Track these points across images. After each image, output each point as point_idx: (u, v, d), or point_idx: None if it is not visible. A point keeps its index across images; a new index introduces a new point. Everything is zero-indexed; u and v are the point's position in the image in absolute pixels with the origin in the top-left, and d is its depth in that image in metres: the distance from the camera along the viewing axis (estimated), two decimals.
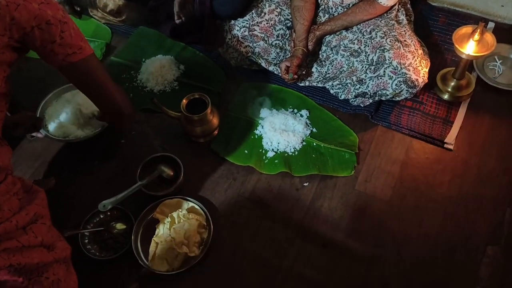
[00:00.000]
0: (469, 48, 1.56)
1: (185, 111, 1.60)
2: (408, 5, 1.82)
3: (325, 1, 1.77)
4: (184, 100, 1.62)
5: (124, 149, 1.71)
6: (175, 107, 1.67)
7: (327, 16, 1.80)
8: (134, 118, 1.69)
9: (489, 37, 1.57)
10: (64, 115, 1.67)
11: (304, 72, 1.78)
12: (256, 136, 1.69)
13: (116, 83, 1.37)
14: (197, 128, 1.65)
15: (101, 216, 1.52)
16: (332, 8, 1.77)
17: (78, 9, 2.05)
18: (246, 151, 1.66)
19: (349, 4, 1.71)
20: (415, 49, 1.60)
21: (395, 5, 1.70)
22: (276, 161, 1.63)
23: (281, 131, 1.65)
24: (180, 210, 1.49)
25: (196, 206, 1.52)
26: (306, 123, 1.70)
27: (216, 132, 1.71)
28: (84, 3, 2.04)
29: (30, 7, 1.07)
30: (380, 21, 1.68)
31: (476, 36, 1.54)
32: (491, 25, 1.92)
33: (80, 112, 1.68)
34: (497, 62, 1.81)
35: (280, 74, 1.75)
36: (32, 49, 1.16)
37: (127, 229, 1.51)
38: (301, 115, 1.72)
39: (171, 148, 1.68)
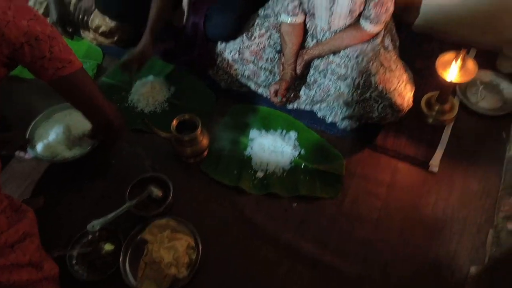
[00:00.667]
0: (452, 74, 1.62)
1: (175, 132, 1.63)
2: (394, 31, 1.87)
3: (313, 26, 1.83)
4: (174, 121, 1.64)
5: (114, 169, 1.72)
6: (165, 127, 1.69)
7: (315, 41, 1.85)
8: (125, 132, 1.68)
9: (471, 64, 1.63)
10: (53, 135, 1.68)
11: (292, 95, 1.82)
12: (246, 157, 1.72)
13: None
14: (187, 149, 1.66)
15: (90, 237, 1.52)
16: (320, 33, 1.82)
17: (70, 30, 2.07)
18: (235, 172, 1.68)
19: (336, 30, 1.77)
20: (400, 74, 1.66)
21: (380, 31, 1.76)
22: (265, 181, 1.65)
23: (270, 152, 1.68)
24: (169, 230, 1.50)
25: (185, 227, 1.52)
26: (295, 145, 1.73)
27: (206, 153, 1.73)
28: (77, 24, 2.07)
29: (19, 23, 1.10)
30: (367, 46, 1.73)
31: (458, 63, 1.60)
32: (473, 51, 2.00)
33: (69, 132, 1.69)
34: (479, 87, 1.88)
35: (269, 97, 1.79)
36: (22, 65, 1.19)
37: (115, 250, 1.50)
38: (290, 137, 1.75)
39: (161, 169, 1.69)
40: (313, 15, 1.75)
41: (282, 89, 1.72)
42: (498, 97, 1.85)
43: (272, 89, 1.73)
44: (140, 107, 1.87)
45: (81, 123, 1.68)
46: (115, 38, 2.06)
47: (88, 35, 2.09)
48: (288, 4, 1.73)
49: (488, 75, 1.90)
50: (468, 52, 1.95)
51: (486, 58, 1.95)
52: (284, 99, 1.74)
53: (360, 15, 1.68)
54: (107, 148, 1.72)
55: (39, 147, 1.66)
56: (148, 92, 1.88)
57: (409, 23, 2.10)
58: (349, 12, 1.65)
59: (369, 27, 1.69)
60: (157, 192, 1.58)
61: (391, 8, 1.64)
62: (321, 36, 1.82)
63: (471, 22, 1.95)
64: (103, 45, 2.10)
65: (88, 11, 2.01)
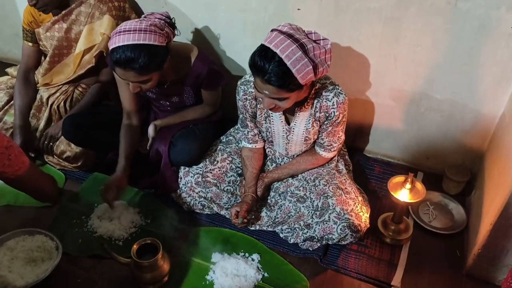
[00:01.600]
0: (403, 195, 1.72)
1: (135, 257, 1.59)
2: (346, 156, 2.02)
3: (272, 152, 1.95)
4: (135, 245, 1.61)
5: None
6: (124, 253, 1.66)
7: (274, 165, 1.96)
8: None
9: (419, 186, 1.75)
10: (4, 263, 1.60)
11: (253, 217, 1.86)
12: (208, 282, 1.67)
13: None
14: (147, 275, 1.61)
15: None
16: (278, 158, 1.94)
17: (33, 155, 2.10)
18: None
19: (293, 155, 1.89)
20: (355, 196, 1.75)
21: (334, 156, 1.89)
22: None
23: (233, 276, 1.65)
24: None
25: None
26: (258, 267, 1.71)
27: (166, 278, 1.67)
28: (41, 149, 2.11)
29: None
30: (323, 170, 1.84)
31: (408, 185, 1.71)
32: (420, 174, 2.15)
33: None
34: (429, 207, 1.99)
35: (231, 218, 1.82)
36: None
37: None
38: (253, 259, 1.74)
39: None
40: (271, 142, 1.88)
41: (243, 210, 1.75)
42: (449, 217, 1.96)
43: (233, 211, 1.77)
44: (100, 232, 1.83)
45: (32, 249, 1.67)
46: (79, 163, 2.09)
47: (52, 160, 2.12)
48: (248, 133, 1.86)
49: (436, 196, 2.03)
50: (416, 175, 2.10)
51: (433, 181, 2.11)
52: (245, 221, 1.76)
53: (314, 142, 1.83)
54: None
55: None
56: (109, 216, 1.86)
57: (361, 149, 2.27)
58: (304, 140, 1.79)
59: (323, 154, 1.82)
60: None
61: (342, 137, 1.80)
62: (280, 161, 1.93)
63: (416, 148, 2.14)
64: (65, 170, 2.12)
65: (54, 138, 2.07)
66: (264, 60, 1.43)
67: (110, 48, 1.64)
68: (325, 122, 1.72)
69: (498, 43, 1.71)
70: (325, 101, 1.66)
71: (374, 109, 2.11)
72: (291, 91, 1.49)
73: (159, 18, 1.72)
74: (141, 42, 1.61)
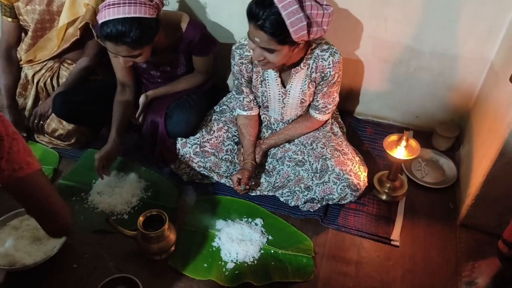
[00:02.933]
0: (399, 153, 1.77)
1: (142, 229, 1.60)
2: (339, 119, 2.06)
3: (267, 118, 1.96)
4: (141, 218, 1.63)
5: (77, 273, 1.62)
6: (129, 226, 1.68)
7: (270, 131, 1.98)
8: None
9: (414, 143, 1.80)
10: (10, 242, 1.60)
11: (253, 183, 1.89)
12: (214, 249, 1.70)
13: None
14: (154, 246, 1.63)
15: None
16: (273, 124, 1.95)
17: (24, 135, 2.06)
18: (205, 265, 1.65)
19: (288, 120, 1.91)
20: (352, 156, 1.80)
21: (328, 119, 1.92)
22: (236, 272, 1.63)
23: (238, 241, 1.69)
24: None
25: None
26: (262, 231, 1.75)
27: (173, 248, 1.70)
28: (31, 129, 2.07)
29: None
30: (319, 134, 1.87)
31: (403, 143, 1.77)
32: (410, 132, 2.21)
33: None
34: (421, 164, 2.05)
35: (232, 186, 1.84)
36: None
37: None
38: (256, 224, 1.78)
39: (127, 268, 1.63)
40: (267, 107, 1.89)
41: (245, 178, 1.78)
42: (440, 172, 2.03)
43: (235, 178, 1.79)
44: (101, 207, 1.83)
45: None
46: (72, 141, 2.06)
47: (43, 139, 2.08)
48: (243, 99, 1.86)
49: (427, 153, 2.10)
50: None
51: (423, 138, 2.16)
52: (247, 187, 1.79)
53: (309, 106, 1.85)
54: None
55: None
56: (109, 191, 1.86)
57: (352, 111, 2.31)
58: (300, 103, 1.81)
59: (318, 116, 1.85)
60: None
61: (336, 98, 1.82)
62: (275, 127, 1.95)
63: (406, 107, 2.19)
64: (58, 148, 2.09)
65: (44, 116, 2.02)
66: (260, 7, 1.44)
67: (99, 22, 1.60)
68: (321, 83, 1.74)
69: (484, 0, 1.75)
70: (321, 61, 1.68)
71: (364, 71, 2.14)
72: (282, 44, 1.50)
73: None
74: (132, 15, 1.57)
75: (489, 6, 1.75)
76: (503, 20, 1.76)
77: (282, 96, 1.81)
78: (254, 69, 1.78)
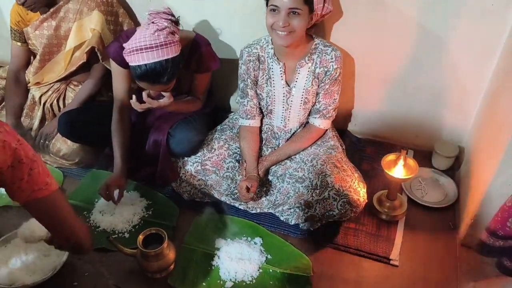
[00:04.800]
0: (397, 172, 1.78)
1: (142, 247, 1.62)
2: (338, 137, 2.08)
3: (270, 128, 2.01)
4: (140, 236, 1.65)
5: None
6: (129, 244, 1.71)
7: (270, 149, 2.02)
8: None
9: (412, 162, 1.81)
10: (13, 261, 1.63)
11: (255, 196, 1.90)
12: (213, 267, 1.71)
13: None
14: (154, 264, 1.64)
15: None
16: (277, 133, 2.00)
17: None
18: (204, 283, 1.66)
19: (291, 129, 1.96)
20: (351, 173, 1.82)
21: (328, 127, 1.95)
22: None
23: (237, 260, 1.70)
24: None
25: None
26: (261, 250, 1.76)
27: (172, 266, 1.71)
28: (37, 148, 2.12)
29: (9, 147, 1.13)
30: (319, 150, 1.91)
31: (401, 162, 1.78)
32: (410, 152, 2.22)
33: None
34: (421, 183, 2.06)
35: (232, 203, 1.89)
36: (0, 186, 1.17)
37: None
38: (255, 243, 1.79)
39: (126, 287, 1.65)
40: (270, 112, 1.93)
41: (254, 186, 1.81)
42: (440, 191, 2.03)
43: (244, 185, 1.81)
44: (103, 226, 1.86)
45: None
46: (77, 160, 2.11)
47: (49, 159, 2.13)
48: (247, 103, 1.92)
49: (427, 172, 2.10)
50: (407, 153, 2.17)
51: (423, 157, 2.18)
52: (254, 195, 1.82)
53: (309, 114, 1.90)
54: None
55: None
56: (111, 210, 1.89)
57: (351, 131, 2.33)
58: (303, 104, 1.85)
59: (318, 122, 1.89)
60: None
61: (337, 100, 1.87)
62: (278, 136, 2.00)
63: (405, 127, 2.21)
64: (63, 167, 2.13)
65: (50, 136, 2.07)
66: None
67: (132, 65, 1.66)
68: (324, 79, 1.82)
69: (479, 21, 1.78)
70: (324, 55, 1.79)
71: (363, 92, 2.17)
72: (306, 3, 1.62)
73: (165, 19, 1.68)
74: (165, 57, 1.65)
75: (484, 27, 1.78)
76: (499, 38, 1.79)
77: (286, 95, 1.88)
78: (261, 66, 1.86)
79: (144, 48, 1.62)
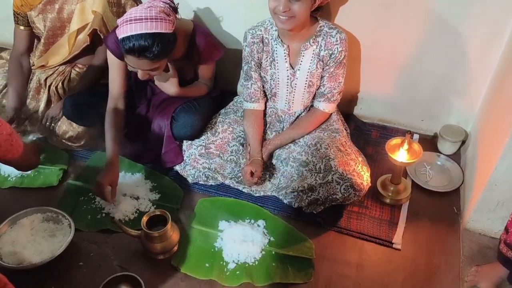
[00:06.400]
0: (401, 156, 1.78)
1: (146, 228, 1.64)
2: (343, 120, 2.07)
3: (274, 111, 2.00)
4: (144, 217, 1.66)
5: (82, 271, 1.67)
6: (134, 226, 1.73)
7: (274, 133, 2.01)
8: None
9: (416, 146, 1.81)
10: (19, 241, 1.66)
11: (259, 181, 1.91)
12: (216, 249, 1.73)
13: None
14: (157, 245, 1.66)
15: None
16: (281, 116, 1.99)
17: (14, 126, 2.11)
18: (207, 265, 1.68)
19: (295, 113, 1.95)
20: (355, 157, 1.81)
21: (333, 111, 1.94)
22: (237, 272, 1.65)
23: (240, 242, 1.71)
24: None
25: None
26: (264, 233, 1.77)
27: (176, 248, 1.73)
28: (43, 130, 2.13)
29: None
30: (323, 134, 1.90)
31: (405, 146, 1.77)
32: (416, 136, 2.21)
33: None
34: (426, 168, 2.05)
35: (235, 186, 1.91)
36: None
37: None
38: (258, 225, 1.80)
39: (131, 267, 1.67)
40: (274, 95, 1.92)
41: (259, 170, 1.82)
42: (445, 176, 2.02)
43: (248, 169, 1.82)
44: (107, 208, 1.88)
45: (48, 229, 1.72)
46: (82, 142, 2.12)
47: (55, 141, 2.14)
48: (251, 86, 1.91)
49: (432, 157, 2.09)
50: (412, 137, 2.15)
51: (429, 142, 2.17)
52: (258, 180, 1.82)
53: (314, 98, 1.89)
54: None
55: (5, 254, 1.62)
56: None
57: (357, 115, 2.32)
58: (308, 87, 1.84)
59: (323, 106, 1.88)
60: None
61: (342, 83, 1.86)
62: (283, 119, 1.99)
63: (411, 111, 2.19)
64: (68, 149, 2.15)
65: (55, 119, 2.08)
66: None
67: (120, 37, 1.64)
68: (328, 62, 1.79)
69: (487, 3, 1.74)
70: (329, 38, 1.76)
71: (369, 75, 2.15)
72: None
73: (164, 2, 1.69)
74: (153, 30, 1.61)
75: (492, 9, 1.75)
76: (507, 22, 1.76)
77: (290, 78, 1.86)
78: (265, 48, 1.85)
79: (134, 19, 1.60)
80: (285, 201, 1.87)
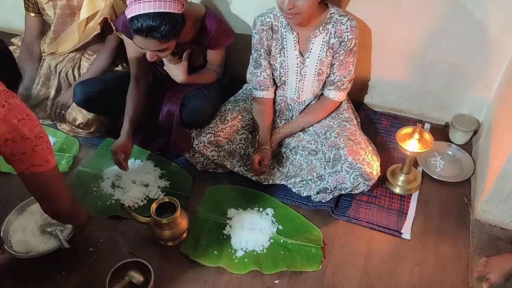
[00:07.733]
0: (411, 146, 1.76)
1: (155, 215, 1.65)
2: (353, 109, 2.05)
3: (284, 99, 1.99)
4: (154, 204, 1.67)
5: (92, 257, 1.69)
6: (143, 212, 1.75)
7: (283, 121, 2.00)
8: (87, 227, 1.70)
9: (427, 136, 1.78)
10: (29, 228, 1.68)
11: (267, 171, 1.90)
12: (225, 236, 1.74)
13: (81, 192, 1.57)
14: (166, 232, 1.67)
15: None
16: (290, 104, 1.98)
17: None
18: (215, 252, 1.69)
19: (304, 101, 1.93)
20: (365, 146, 1.80)
21: (343, 99, 1.92)
22: (245, 260, 1.66)
23: (249, 230, 1.71)
24: None
25: None
26: (272, 221, 1.77)
27: (185, 235, 1.74)
28: (53, 117, 2.15)
29: (8, 121, 1.15)
30: (333, 123, 1.89)
31: (416, 135, 1.75)
32: (427, 126, 2.18)
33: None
34: (437, 157, 2.03)
35: (244, 174, 1.90)
36: None
37: None
38: (267, 214, 1.80)
39: (140, 254, 1.68)
40: (284, 83, 1.91)
41: (266, 160, 1.82)
42: (456, 166, 2.00)
43: (256, 158, 1.81)
44: (117, 195, 1.89)
45: None
46: (92, 129, 2.13)
47: (65, 127, 2.16)
48: (260, 73, 1.90)
49: (444, 146, 2.07)
50: (423, 126, 2.13)
51: (440, 132, 2.14)
52: (266, 170, 1.82)
53: (324, 86, 1.86)
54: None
55: (14, 242, 1.65)
56: (125, 179, 1.92)
57: (367, 103, 2.29)
58: (317, 75, 1.83)
59: (333, 94, 1.86)
60: (138, 277, 1.55)
61: (352, 72, 1.83)
62: (292, 107, 1.97)
63: (422, 100, 2.16)
64: (79, 136, 2.16)
65: (65, 105, 2.09)
66: None
67: (128, 17, 1.62)
68: (338, 49, 1.77)
69: None
70: (339, 25, 1.73)
71: (380, 63, 2.12)
72: None
73: None
74: (162, 10, 1.60)
75: None
76: None
77: (300, 66, 1.84)
78: (274, 36, 1.83)
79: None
80: (293, 190, 1.87)
